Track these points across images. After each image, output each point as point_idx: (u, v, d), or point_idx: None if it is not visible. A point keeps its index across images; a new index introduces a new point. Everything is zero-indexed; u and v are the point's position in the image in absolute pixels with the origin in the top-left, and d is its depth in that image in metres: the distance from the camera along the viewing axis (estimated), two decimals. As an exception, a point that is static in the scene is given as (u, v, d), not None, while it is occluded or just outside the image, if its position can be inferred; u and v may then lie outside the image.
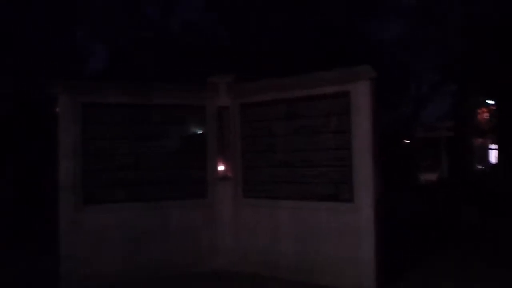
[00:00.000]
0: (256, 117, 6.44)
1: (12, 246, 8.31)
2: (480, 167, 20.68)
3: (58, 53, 13.09)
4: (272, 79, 6.38)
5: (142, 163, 6.26)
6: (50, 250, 6.09)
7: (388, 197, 7.08)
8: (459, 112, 16.73)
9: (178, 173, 6.43)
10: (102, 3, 14.85)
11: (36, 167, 11.31)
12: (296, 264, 5.92)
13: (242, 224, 6.46)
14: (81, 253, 5.82)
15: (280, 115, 6.19)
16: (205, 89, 6.64)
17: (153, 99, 6.38)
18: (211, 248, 6.46)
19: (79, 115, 5.98)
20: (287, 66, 9.91)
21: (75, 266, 5.77)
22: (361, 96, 5.46)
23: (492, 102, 18.26)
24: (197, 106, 6.57)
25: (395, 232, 8.27)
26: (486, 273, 6.11)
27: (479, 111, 19.45)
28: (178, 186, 6.41)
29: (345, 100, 5.59)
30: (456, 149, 16.93)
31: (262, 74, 7.03)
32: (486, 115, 20.27)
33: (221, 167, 6.60)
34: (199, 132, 6.67)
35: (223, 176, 6.59)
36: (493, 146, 20.38)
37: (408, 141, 21.24)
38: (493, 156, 20.99)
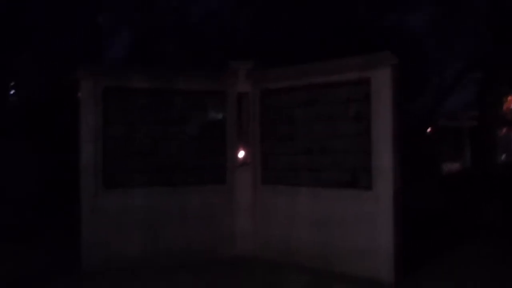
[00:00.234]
0: (275, 104, 6.42)
1: (41, 231, 8.48)
2: (504, 158, 20.27)
3: (80, 40, 13.21)
4: (293, 65, 6.34)
5: (163, 148, 6.31)
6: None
7: (409, 187, 6.98)
8: (484, 101, 16.38)
9: (197, 158, 6.47)
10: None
11: (62, 153, 11.48)
12: (314, 252, 5.92)
13: (260, 211, 6.48)
14: (101, 236, 5.92)
15: (300, 101, 6.16)
16: (225, 75, 6.64)
17: (175, 84, 6.40)
18: (229, 234, 6.50)
19: (101, 100, 6.03)
20: (307, 53, 9.82)
21: (95, 249, 5.88)
22: (382, 83, 5.38)
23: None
24: (217, 92, 6.58)
25: (415, 222, 8.20)
26: (506, 267, 6.00)
27: (504, 100, 19.01)
28: (197, 172, 6.45)
29: (365, 86, 5.52)
30: (479, 139, 16.59)
31: (281, 60, 6.99)
32: (511, 105, 19.80)
33: (240, 154, 6.61)
34: (219, 118, 6.68)
35: (242, 163, 6.60)
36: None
37: (431, 131, 20.92)
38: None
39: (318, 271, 5.69)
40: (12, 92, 13.47)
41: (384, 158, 5.35)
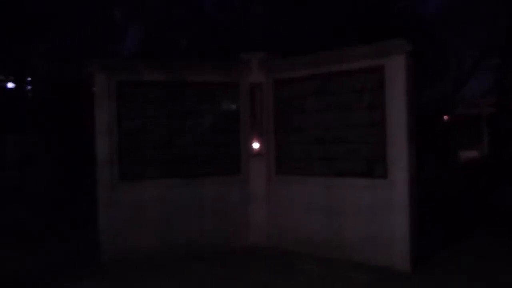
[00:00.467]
0: (288, 94, 6.40)
1: (61, 221, 8.63)
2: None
3: (93, 33, 13.28)
4: (305, 54, 6.30)
5: (177, 140, 6.35)
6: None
7: (426, 174, 6.91)
8: (502, 87, 16.10)
9: (212, 149, 6.49)
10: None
11: (77, 147, 11.61)
12: (328, 241, 5.92)
13: (275, 201, 6.49)
14: (117, 227, 6.01)
15: (313, 91, 6.13)
16: (237, 66, 6.63)
17: (187, 76, 6.42)
18: (244, 224, 6.54)
19: (115, 93, 6.09)
20: (320, 42, 9.74)
21: (112, 239, 5.97)
22: (396, 71, 5.32)
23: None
24: (230, 83, 6.58)
25: (431, 210, 8.13)
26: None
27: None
28: (212, 163, 6.48)
29: (379, 74, 5.47)
30: (497, 126, 16.34)
31: (293, 50, 6.95)
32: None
33: (254, 144, 6.62)
34: (233, 109, 6.68)
35: (257, 153, 6.61)
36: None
37: (448, 118, 20.66)
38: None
39: (332, 260, 5.70)
40: (28, 88, 13.64)
41: (399, 147, 5.30)
